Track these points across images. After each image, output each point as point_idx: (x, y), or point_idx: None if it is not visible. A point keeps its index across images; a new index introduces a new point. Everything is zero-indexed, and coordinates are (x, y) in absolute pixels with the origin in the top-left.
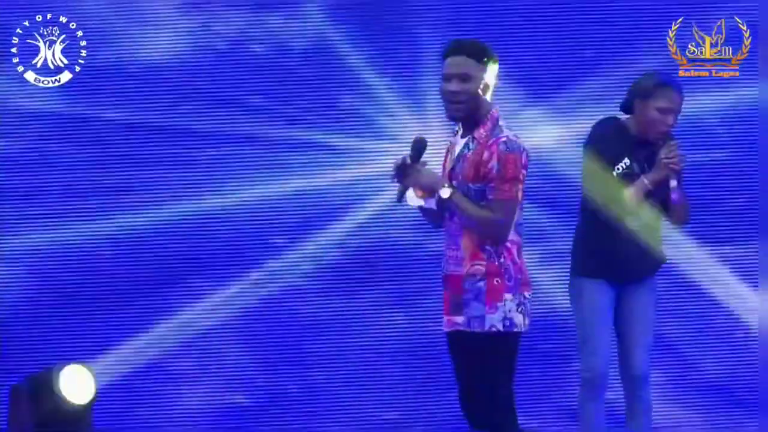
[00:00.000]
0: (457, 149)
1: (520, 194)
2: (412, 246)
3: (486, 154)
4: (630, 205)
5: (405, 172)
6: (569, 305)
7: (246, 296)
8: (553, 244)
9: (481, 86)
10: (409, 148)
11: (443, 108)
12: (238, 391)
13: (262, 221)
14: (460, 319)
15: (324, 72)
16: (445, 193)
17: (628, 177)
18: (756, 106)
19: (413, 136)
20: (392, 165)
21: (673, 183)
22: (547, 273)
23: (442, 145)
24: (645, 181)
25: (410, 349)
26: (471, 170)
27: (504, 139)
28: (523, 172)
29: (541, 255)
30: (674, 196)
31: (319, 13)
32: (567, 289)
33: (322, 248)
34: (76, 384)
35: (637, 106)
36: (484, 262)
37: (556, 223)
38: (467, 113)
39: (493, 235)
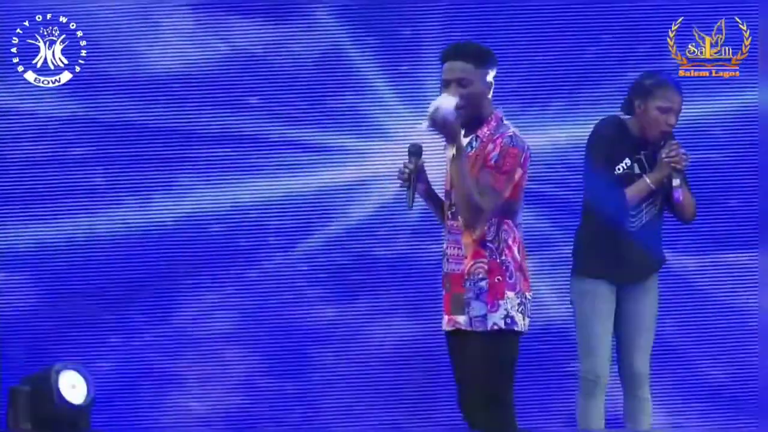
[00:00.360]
0: None
1: (508, 191)
2: (412, 248)
3: (490, 147)
4: (630, 205)
5: (411, 177)
6: (569, 307)
7: (245, 298)
8: (552, 249)
9: (481, 89)
10: (406, 155)
11: None
12: (237, 393)
13: (261, 222)
14: (461, 318)
15: (325, 72)
16: (449, 153)
17: (629, 177)
18: (756, 107)
19: (413, 138)
20: (399, 173)
21: (676, 182)
22: (546, 276)
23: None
24: (647, 180)
25: (410, 350)
26: (473, 169)
27: (510, 134)
28: (520, 170)
29: (541, 259)
30: (676, 195)
31: (320, 15)
32: (566, 293)
33: (321, 249)
34: (75, 385)
35: (637, 106)
36: (486, 260)
37: (556, 228)
38: (467, 118)
39: (470, 218)
